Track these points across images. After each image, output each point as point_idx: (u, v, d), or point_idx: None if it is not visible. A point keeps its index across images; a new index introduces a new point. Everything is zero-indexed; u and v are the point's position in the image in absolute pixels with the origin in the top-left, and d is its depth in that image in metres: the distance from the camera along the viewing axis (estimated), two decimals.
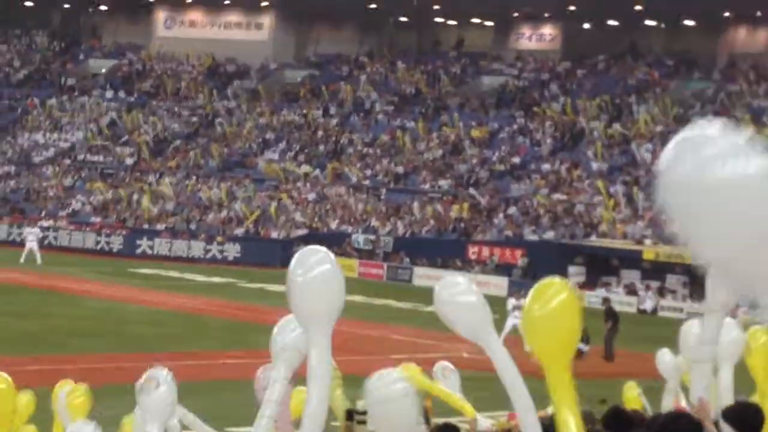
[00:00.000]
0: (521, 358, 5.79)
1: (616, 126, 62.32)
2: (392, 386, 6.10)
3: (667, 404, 9.31)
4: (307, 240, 49.29)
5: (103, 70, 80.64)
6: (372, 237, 57.66)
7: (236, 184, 65.42)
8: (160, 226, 61.80)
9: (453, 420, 8.42)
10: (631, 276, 49.44)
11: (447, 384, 9.34)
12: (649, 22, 70.68)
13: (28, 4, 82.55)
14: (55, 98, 77.08)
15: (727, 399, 7.36)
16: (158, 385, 6.20)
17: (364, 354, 26.78)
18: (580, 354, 29.56)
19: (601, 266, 49.82)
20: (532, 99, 68.30)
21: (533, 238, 54.33)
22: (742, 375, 8.03)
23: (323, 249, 5.39)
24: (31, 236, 53.97)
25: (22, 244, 54.82)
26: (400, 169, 63.84)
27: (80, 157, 71.38)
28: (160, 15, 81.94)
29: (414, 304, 42.70)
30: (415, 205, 59.73)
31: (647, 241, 49.98)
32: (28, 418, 8.78)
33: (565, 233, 53.72)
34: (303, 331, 5.38)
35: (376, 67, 75.92)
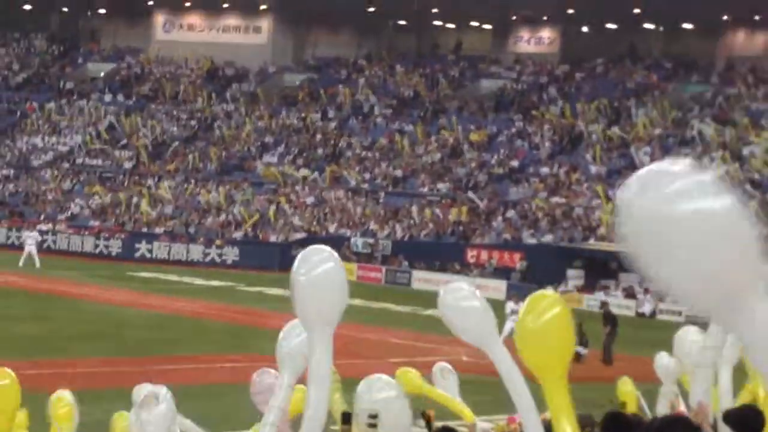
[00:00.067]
0: (522, 361, 5.80)
1: (615, 129, 62.32)
2: (383, 392, 6.10)
3: (663, 408, 9.32)
4: (305, 243, 49.02)
5: (102, 74, 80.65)
6: (370, 240, 57.66)
7: (235, 187, 65.41)
8: (158, 230, 61.80)
9: (451, 424, 8.43)
10: (630, 279, 49.38)
11: (446, 385, 9.34)
12: (647, 26, 70.75)
13: (27, 7, 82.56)
14: (54, 102, 77.09)
15: (727, 402, 7.37)
16: (158, 403, 6.22)
17: (363, 357, 26.77)
18: (578, 357, 29.54)
19: (600, 269, 49.78)
20: (531, 102, 68.33)
21: (532, 241, 54.34)
22: (742, 378, 8.03)
23: (327, 248, 5.39)
24: (30, 240, 53.98)
25: (20, 247, 54.82)
26: (398, 173, 63.85)
27: (79, 160, 71.36)
28: (159, 18, 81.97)
29: (413, 308, 42.70)
30: (414, 208, 59.73)
31: None
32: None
33: (564, 236, 53.73)
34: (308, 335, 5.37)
35: (374, 71, 75.94)
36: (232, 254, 58.70)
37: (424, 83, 73.17)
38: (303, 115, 71.58)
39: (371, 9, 74.80)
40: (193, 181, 66.89)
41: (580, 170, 59.70)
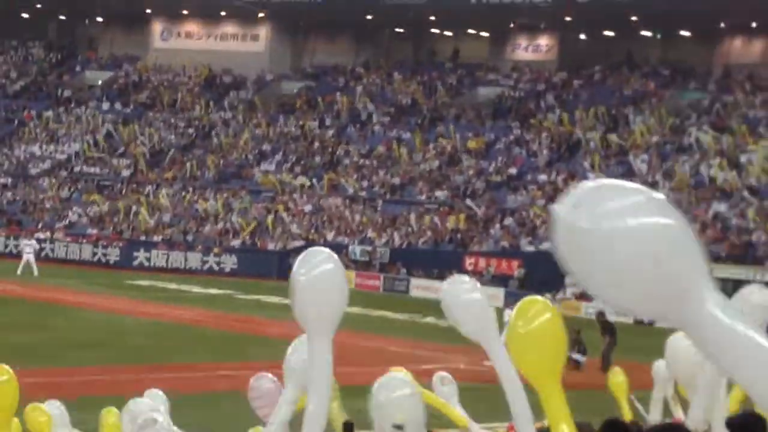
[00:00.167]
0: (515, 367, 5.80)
1: (613, 136, 62.34)
2: (399, 389, 6.08)
3: (655, 414, 9.32)
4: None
5: (100, 82, 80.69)
6: (368, 248, 57.67)
7: (233, 195, 65.42)
8: (156, 238, 61.80)
9: None
10: None
11: (446, 394, 9.34)
12: (645, 33, 70.79)
13: (25, 15, 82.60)
14: (52, 110, 77.11)
15: (726, 407, 7.35)
16: (157, 429, 6.23)
17: (361, 365, 26.73)
18: (577, 365, 29.58)
19: None
20: (529, 110, 68.37)
21: (530, 248, 54.33)
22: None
23: (327, 250, 5.39)
24: (28, 248, 53.97)
25: (18, 255, 54.82)
26: (396, 180, 63.86)
27: (77, 168, 71.39)
28: (157, 26, 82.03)
29: (411, 315, 42.69)
30: (412, 216, 59.75)
31: None
32: None
33: None
34: None
35: (372, 78, 75.98)
36: (230, 262, 58.71)
37: (421, 91, 73.21)
38: (301, 122, 71.61)
39: (369, 17, 74.86)
40: (191, 189, 66.91)
41: (578, 177, 59.62)
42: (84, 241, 61.56)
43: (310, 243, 57.48)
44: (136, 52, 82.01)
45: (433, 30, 76.98)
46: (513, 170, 62.49)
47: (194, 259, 58.85)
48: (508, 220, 57.36)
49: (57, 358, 28.91)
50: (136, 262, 58.79)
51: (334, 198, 63.45)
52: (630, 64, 70.65)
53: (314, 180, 65.41)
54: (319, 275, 5.12)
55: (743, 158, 57.02)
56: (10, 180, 70.95)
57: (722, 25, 67.78)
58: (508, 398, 5.33)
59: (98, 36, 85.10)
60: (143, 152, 70.93)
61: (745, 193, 53.98)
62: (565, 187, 58.77)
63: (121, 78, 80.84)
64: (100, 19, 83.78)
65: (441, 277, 52.05)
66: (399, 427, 5.78)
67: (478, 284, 6.06)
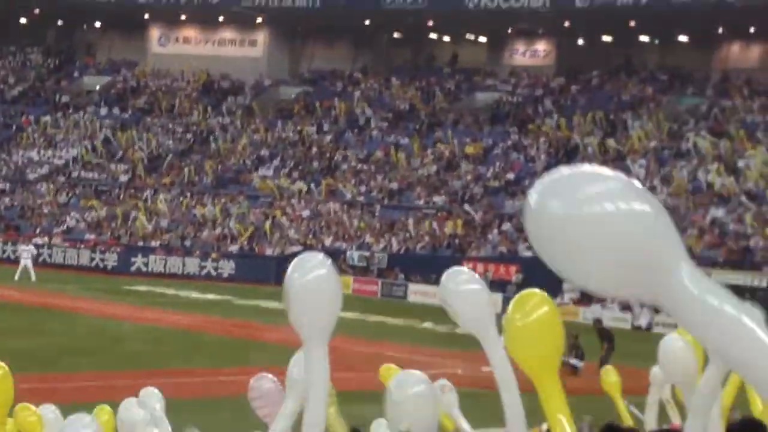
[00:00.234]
0: (518, 371, 5.79)
1: (611, 142, 62.37)
2: (417, 386, 6.08)
3: (650, 418, 9.31)
4: None
5: (98, 87, 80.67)
6: (366, 253, 57.67)
7: (231, 200, 65.42)
8: (154, 243, 61.79)
9: None
10: None
11: (446, 401, 9.32)
12: (642, 38, 70.84)
13: (23, 21, 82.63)
14: (50, 115, 77.09)
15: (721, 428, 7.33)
16: None
17: (358, 371, 26.72)
18: (575, 371, 29.56)
19: None
20: (527, 115, 68.39)
21: (528, 254, 54.24)
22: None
23: (320, 255, 5.38)
24: (26, 253, 53.97)
25: (16, 261, 54.82)
26: (394, 186, 63.87)
27: (75, 174, 71.37)
28: (155, 32, 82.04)
29: (409, 321, 42.66)
30: (410, 221, 59.75)
31: None
32: None
33: None
34: None
35: (370, 83, 75.99)
36: (227, 267, 58.70)
37: (419, 96, 73.22)
38: (299, 128, 71.61)
39: (367, 22, 74.90)
40: (188, 194, 66.90)
41: None
42: (82, 246, 61.53)
43: (308, 248, 57.43)
44: (134, 58, 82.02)
45: (431, 35, 77.03)
46: (511, 175, 62.50)
47: (192, 265, 58.84)
48: (506, 226, 57.35)
49: (54, 363, 28.88)
50: (133, 268, 58.77)
51: (332, 203, 63.45)
52: (628, 69, 70.68)
53: (312, 185, 65.41)
54: (312, 280, 5.11)
55: (741, 163, 57.04)
56: (8, 185, 70.93)
57: (720, 30, 67.83)
58: (500, 391, 5.32)
59: (96, 41, 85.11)
60: (141, 157, 70.92)
61: (743, 199, 54.00)
62: None
63: (119, 83, 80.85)
64: (98, 25, 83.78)
65: (439, 282, 52.15)
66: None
67: (477, 275, 6.06)
